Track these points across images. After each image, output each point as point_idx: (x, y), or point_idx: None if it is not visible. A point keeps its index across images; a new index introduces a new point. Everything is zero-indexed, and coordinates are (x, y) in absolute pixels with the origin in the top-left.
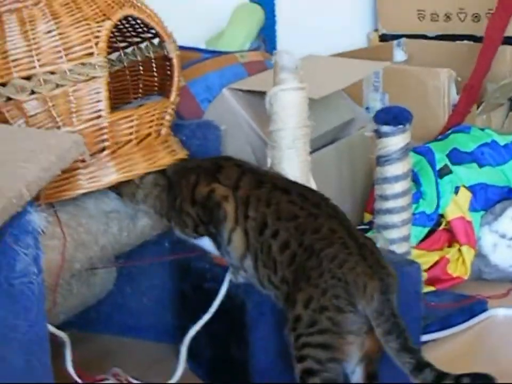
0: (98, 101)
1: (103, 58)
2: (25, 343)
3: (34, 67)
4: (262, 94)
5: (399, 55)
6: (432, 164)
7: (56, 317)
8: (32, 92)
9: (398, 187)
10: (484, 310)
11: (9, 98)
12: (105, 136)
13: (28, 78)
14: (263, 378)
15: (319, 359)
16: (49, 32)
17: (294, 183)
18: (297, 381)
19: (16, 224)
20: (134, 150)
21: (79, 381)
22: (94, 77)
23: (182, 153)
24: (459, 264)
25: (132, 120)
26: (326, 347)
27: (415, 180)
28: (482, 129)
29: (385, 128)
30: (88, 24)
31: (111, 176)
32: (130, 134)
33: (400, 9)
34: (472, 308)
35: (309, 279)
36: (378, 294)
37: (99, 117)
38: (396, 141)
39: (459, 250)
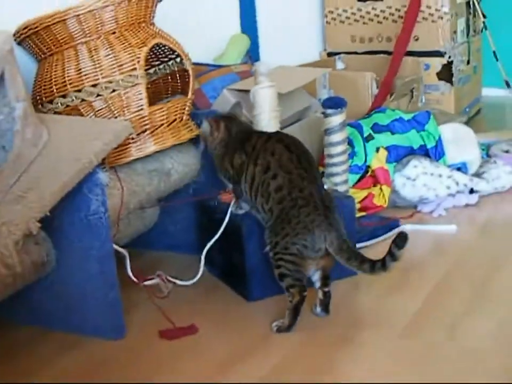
0: (141, 99)
1: (143, 71)
2: (98, 257)
3: (98, 79)
4: (249, 91)
5: (340, 65)
6: (361, 133)
7: (120, 240)
8: (98, 95)
9: (339, 149)
10: (397, 226)
11: (83, 100)
12: (146, 122)
13: (94, 85)
14: (254, 274)
15: (288, 268)
16: (107, 55)
17: (295, 144)
18: (277, 279)
19: (90, 180)
20: (166, 130)
21: (135, 280)
22: (137, 84)
23: (196, 131)
24: (380, 198)
25: (163, 111)
26: (293, 263)
27: (350, 143)
28: (393, 110)
29: (329, 111)
30: (132, 49)
31: (151, 147)
32: (163, 120)
33: (339, 35)
34: (389, 225)
35: (290, 223)
36: (335, 239)
37: (141, 109)
38: (336, 119)
39: (380, 188)
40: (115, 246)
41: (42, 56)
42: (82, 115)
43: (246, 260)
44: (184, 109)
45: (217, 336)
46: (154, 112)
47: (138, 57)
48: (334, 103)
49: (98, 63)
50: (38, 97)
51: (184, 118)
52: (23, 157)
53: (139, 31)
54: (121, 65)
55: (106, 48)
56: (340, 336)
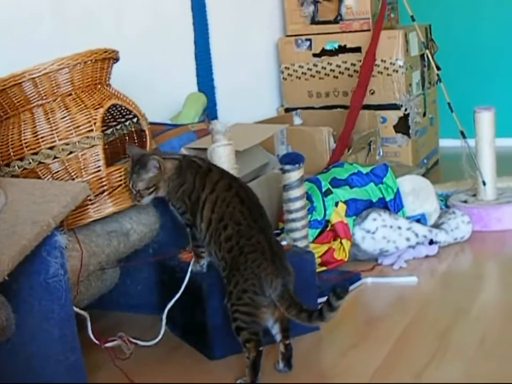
0: (98, 160)
1: (99, 132)
2: (59, 320)
3: (55, 141)
4: (206, 149)
5: (297, 120)
6: (319, 188)
7: (81, 302)
8: (55, 157)
9: (298, 204)
10: (359, 279)
11: (40, 162)
12: (104, 183)
13: (51, 148)
14: (216, 332)
15: (244, 321)
16: (63, 118)
17: (249, 197)
18: (234, 333)
19: (48, 243)
20: (123, 191)
21: (97, 342)
22: (94, 145)
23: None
24: (341, 251)
25: (121, 172)
26: (248, 314)
27: (309, 198)
28: (351, 164)
29: (287, 167)
30: (88, 111)
31: (109, 209)
32: (121, 180)
33: (296, 91)
34: (351, 278)
35: (239, 270)
36: (280, 286)
37: (99, 171)
38: (294, 175)
39: (340, 242)
40: (75, 309)
41: None
42: (39, 178)
43: (207, 318)
44: None
45: None
46: (112, 173)
47: (95, 119)
48: (292, 159)
49: (55, 126)
50: None
51: None
52: None
53: (95, 93)
54: (77, 127)
55: (63, 111)
56: None
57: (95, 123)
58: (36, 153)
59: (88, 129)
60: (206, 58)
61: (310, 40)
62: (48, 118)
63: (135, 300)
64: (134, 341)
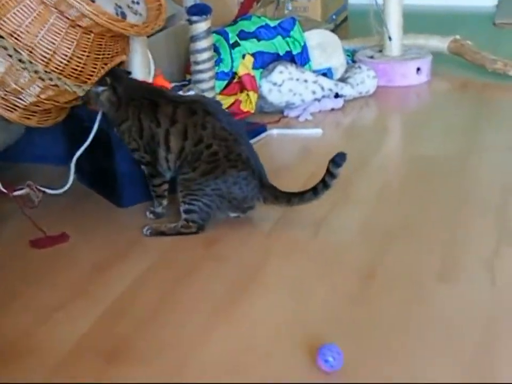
0: None
1: None
2: None
3: None
4: None
5: None
6: (227, 40)
7: None
8: None
9: (205, 55)
10: (264, 131)
11: None
12: None
13: None
14: (125, 180)
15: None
16: None
17: (222, 112)
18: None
19: None
20: None
21: (4, 191)
22: None
23: None
24: (247, 103)
25: None
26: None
27: (216, 50)
28: (259, 17)
29: (194, 18)
30: None
31: None
32: None
33: None
34: (257, 129)
35: (226, 182)
36: (269, 195)
37: None
38: (201, 26)
39: (247, 94)
40: None
41: None
42: None
43: (116, 166)
44: None
45: (89, 243)
46: None
47: None
48: (199, 10)
49: None
50: None
51: None
52: None
53: None
54: None
55: None
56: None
57: None
58: None
59: None
60: None
61: None
62: None
63: (42, 150)
64: (42, 189)
